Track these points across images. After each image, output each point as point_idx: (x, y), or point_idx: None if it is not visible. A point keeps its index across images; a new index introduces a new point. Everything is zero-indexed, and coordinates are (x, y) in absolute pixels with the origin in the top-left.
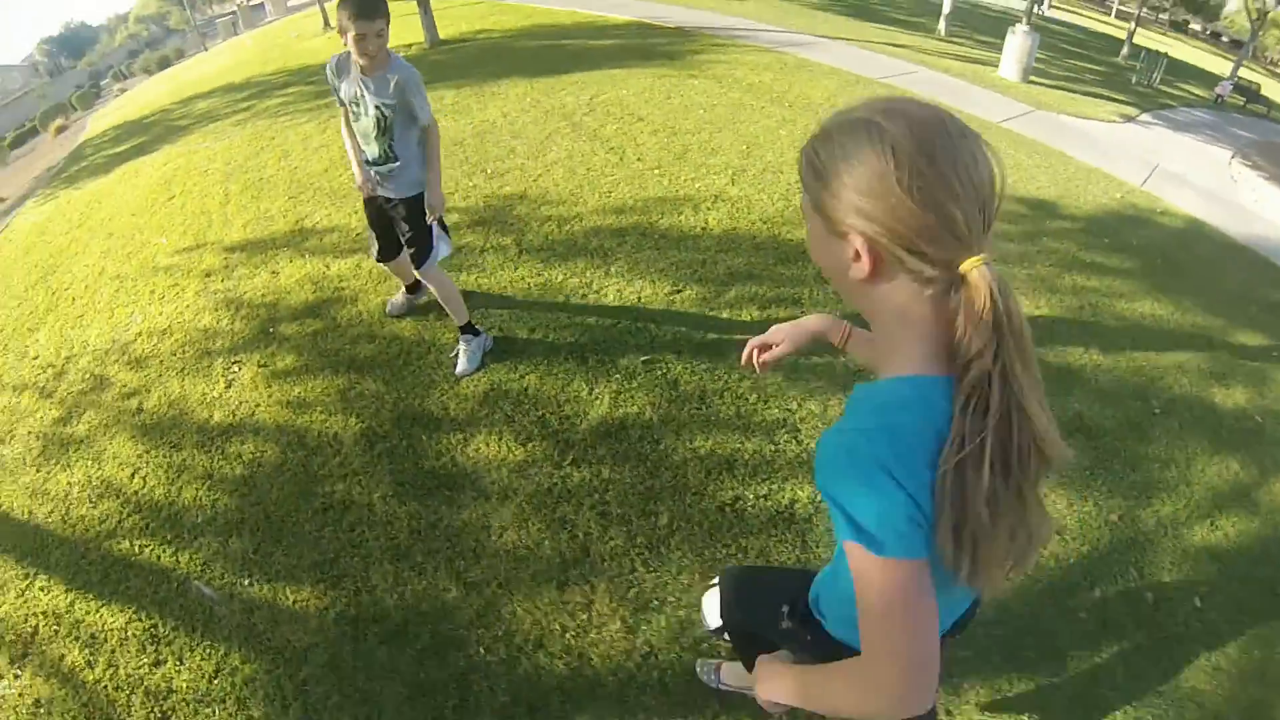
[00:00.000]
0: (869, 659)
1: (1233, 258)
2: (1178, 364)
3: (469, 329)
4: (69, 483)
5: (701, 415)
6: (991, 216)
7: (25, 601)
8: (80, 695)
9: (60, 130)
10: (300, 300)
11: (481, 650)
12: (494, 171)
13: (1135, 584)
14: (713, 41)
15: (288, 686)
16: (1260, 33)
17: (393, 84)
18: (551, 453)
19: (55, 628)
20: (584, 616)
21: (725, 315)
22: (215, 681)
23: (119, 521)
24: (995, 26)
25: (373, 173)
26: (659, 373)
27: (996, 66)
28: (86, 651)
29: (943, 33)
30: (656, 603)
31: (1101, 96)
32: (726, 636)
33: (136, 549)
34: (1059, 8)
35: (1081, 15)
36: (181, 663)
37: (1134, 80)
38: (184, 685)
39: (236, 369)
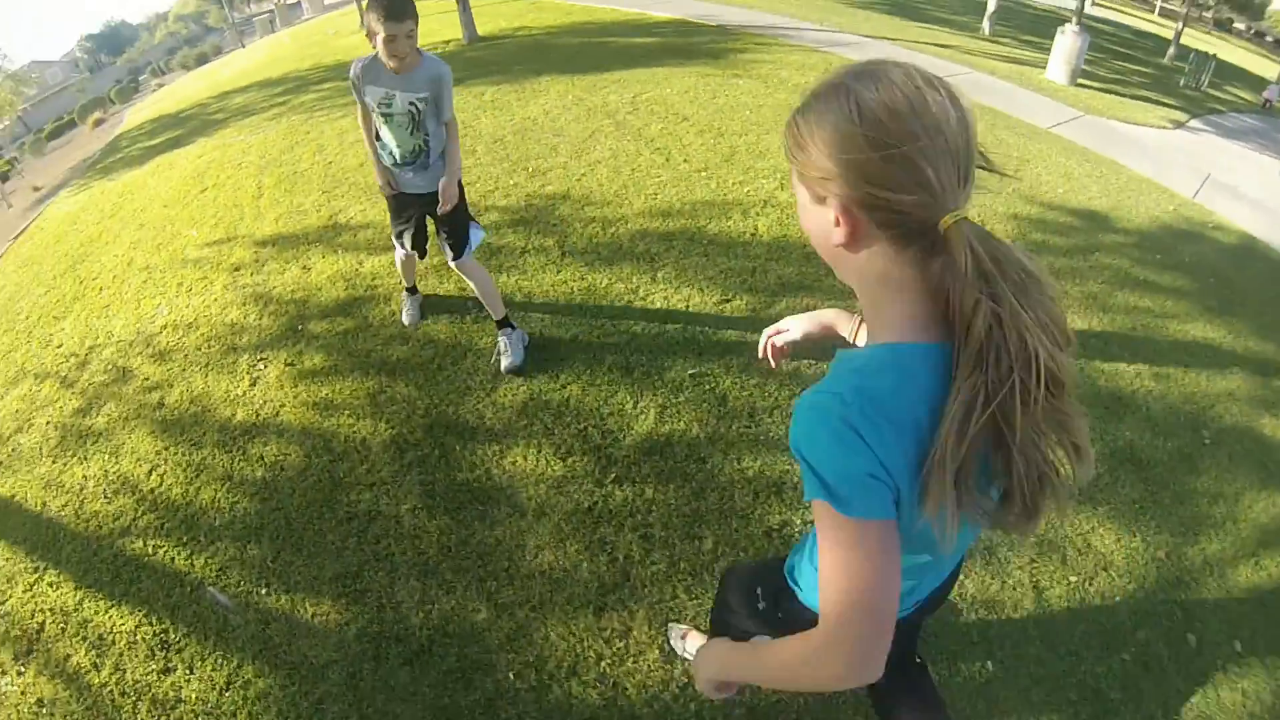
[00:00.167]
0: (824, 617)
1: None
2: (1229, 391)
3: (506, 323)
4: (85, 476)
5: (750, 434)
6: (967, 171)
7: (33, 596)
8: (84, 698)
9: (98, 123)
10: (331, 298)
11: (511, 676)
12: (535, 170)
13: (1179, 625)
14: (755, 40)
15: (302, 704)
16: None
17: (425, 79)
18: (592, 469)
19: (62, 625)
20: (621, 644)
21: None
22: (226, 694)
23: (134, 520)
24: (1038, 25)
25: (405, 172)
26: (706, 386)
27: (1043, 68)
28: (93, 653)
29: (987, 32)
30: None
31: (1151, 100)
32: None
33: (150, 549)
34: (1102, 5)
35: (1125, 13)
36: (192, 672)
37: (1181, 83)
38: (193, 696)
39: (262, 366)
